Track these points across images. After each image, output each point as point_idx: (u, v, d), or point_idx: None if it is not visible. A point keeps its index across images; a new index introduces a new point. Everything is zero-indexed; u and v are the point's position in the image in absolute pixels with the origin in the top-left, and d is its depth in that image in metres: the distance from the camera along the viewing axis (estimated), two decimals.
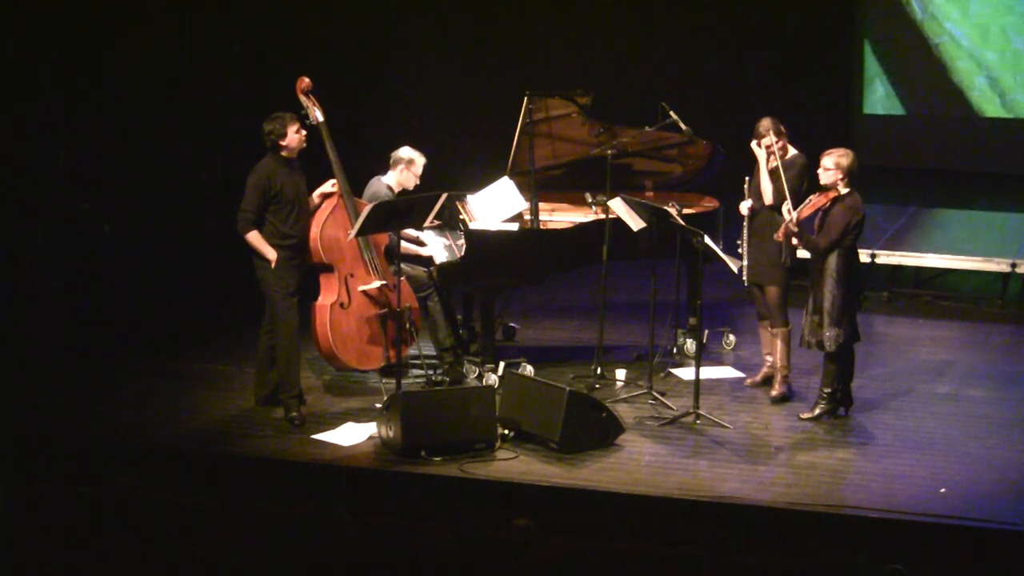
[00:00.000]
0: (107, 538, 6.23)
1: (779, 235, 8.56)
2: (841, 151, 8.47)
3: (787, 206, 8.51)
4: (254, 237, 8.50)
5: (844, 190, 8.43)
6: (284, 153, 8.56)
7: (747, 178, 9.05)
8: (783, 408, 8.90)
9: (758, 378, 9.30)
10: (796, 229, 8.44)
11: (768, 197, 8.84)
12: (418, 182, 9.38)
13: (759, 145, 8.93)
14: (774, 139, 8.89)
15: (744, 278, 9.01)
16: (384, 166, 9.45)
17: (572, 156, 9.74)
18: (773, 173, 8.87)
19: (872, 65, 15.27)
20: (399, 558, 6.07)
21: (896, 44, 15.16)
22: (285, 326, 8.60)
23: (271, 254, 8.50)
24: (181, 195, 12.19)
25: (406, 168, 9.32)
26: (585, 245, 9.32)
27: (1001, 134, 15.09)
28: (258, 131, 8.65)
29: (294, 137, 8.55)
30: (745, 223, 9.03)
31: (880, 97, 15.35)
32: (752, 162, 9.02)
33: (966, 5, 14.89)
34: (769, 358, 9.21)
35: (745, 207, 9.01)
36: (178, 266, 11.58)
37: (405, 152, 9.36)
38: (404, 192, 9.35)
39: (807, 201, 8.46)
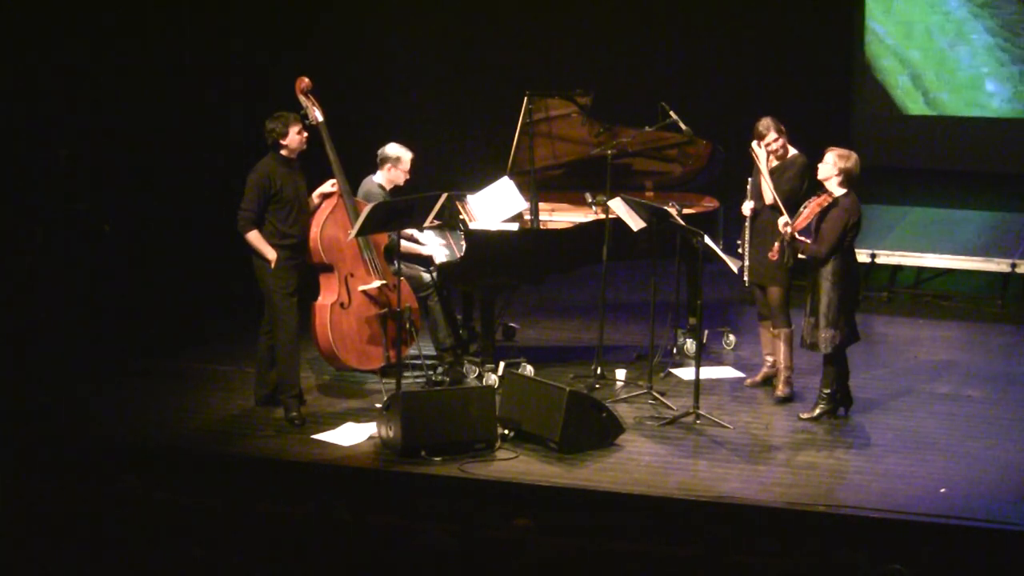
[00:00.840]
0: (107, 538, 6.23)
1: (773, 254, 8.53)
2: (845, 152, 8.44)
3: (783, 220, 8.47)
4: (254, 237, 8.50)
5: (839, 191, 8.40)
6: (284, 152, 8.57)
7: (749, 179, 9.04)
8: (783, 408, 8.90)
9: (758, 378, 9.29)
10: (788, 240, 8.40)
11: (768, 197, 8.83)
12: (408, 177, 9.37)
13: (759, 145, 8.92)
14: (774, 136, 8.88)
15: (745, 278, 8.99)
16: None
17: (572, 156, 9.74)
18: (773, 172, 8.86)
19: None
20: (399, 558, 6.07)
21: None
22: (285, 326, 8.60)
23: (271, 254, 8.50)
24: (181, 195, 12.18)
25: (394, 166, 9.31)
26: (585, 245, 9.31)
27: (1000, 134, 15.12)
28: (258, 131, 8.65)
29: (295, 137, 8.55)
30: (747, 223, 9.02)
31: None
32: (751, 166, 9.00)
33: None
34: (769, 358, 9.21)
35: (747, 208, 8.99)
36: (178, 266, 11.58)
37: (392, 149, 9.34)
38: (396, 188, 9.35)
39: (800, 212, 8.43)
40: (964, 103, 15.10)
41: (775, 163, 8.93)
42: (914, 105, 15.15)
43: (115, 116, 12.09)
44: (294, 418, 8.58)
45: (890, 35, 15.10)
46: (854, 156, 8.44)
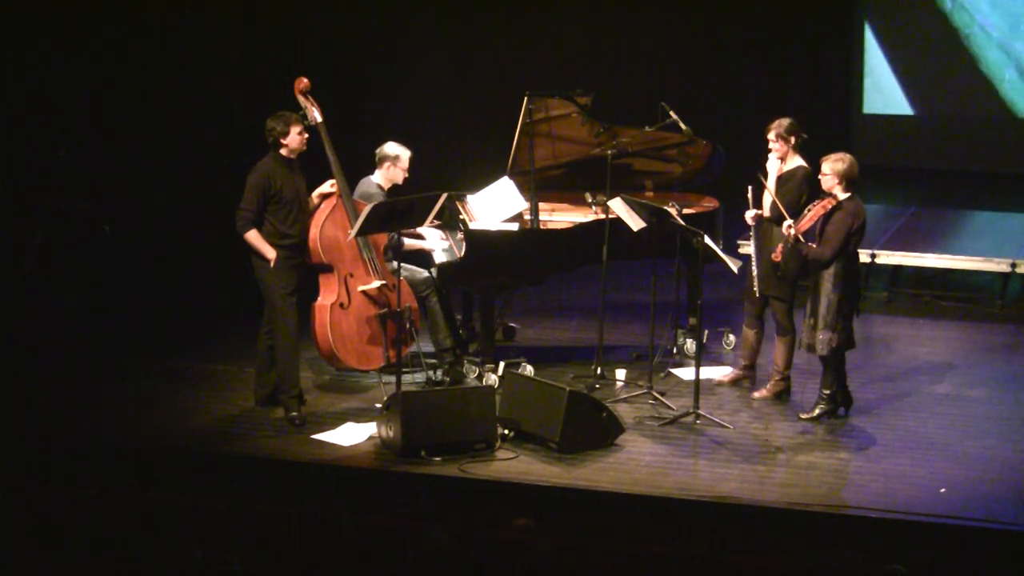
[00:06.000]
0: (107, 538, 6.23)
1: (776, 255, 8.52)
2: (837, 156, 8.41)
3: (788, 223, 8.43)
4: (253, 236, 8.50)
5: (843, 195, 8.38)
6: (284, 152, 8.57)
7: (749, 186, 8.93)
8: (783, 408, 8.89)
9: (728, 378, 9.27)
10: (792, 242, 8.38)
11: (767, 209, 8.79)
12: (407, 175, 9.36)
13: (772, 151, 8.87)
14: (773, 138, 8.84)
15: (755, 288, 8.91)
16: None
17: (572, 156, 9.74)
18: (776, 182, 8.81)
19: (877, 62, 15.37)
20: (399, 558, 6.07)
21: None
22: (284, 326, 8.60)
23: (270, 253, 8.50)
24: (181, 195, 12.18)
25: (393, 164, 9.30)
26: (585, 245, 9.31)
27: (1002, 134, 15.13)
28: (257, 131, 8.66)
29: (296, 138, 8.55)
30: (752, 232, 8.94)
31: (882, 96, 15.41)
32: (751, 166, 8.97)
33: None
34: (742, 360, 9.22)
35: (750, 216, 8.91)
36: (178, 266, 11.58)
37: (391, 149, 9.33)
38: (394, 187, 9.35)
39: (804, 214, 8.41)
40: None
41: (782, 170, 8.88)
42: (915, 105, 15.18)
43: (115, 116, 12.09)
44: (294, 418, 8.58)
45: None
46: (848, 158, 8.41)
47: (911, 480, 7.84)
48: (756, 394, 9.06)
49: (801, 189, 8.77)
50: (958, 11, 15.19)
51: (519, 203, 9.37)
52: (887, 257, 11.60)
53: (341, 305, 8.80)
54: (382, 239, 9.01)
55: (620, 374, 9.34)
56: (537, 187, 9.41)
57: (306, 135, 8.60)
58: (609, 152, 9.37)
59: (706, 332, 9.65)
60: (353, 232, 8.44)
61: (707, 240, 8.48)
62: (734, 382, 9.26)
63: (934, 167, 15.19)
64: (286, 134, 8.53)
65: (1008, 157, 15.02)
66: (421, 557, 5.97)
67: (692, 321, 9.70)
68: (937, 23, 15.19)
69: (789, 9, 14.75)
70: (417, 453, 8.03)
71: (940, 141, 15.32)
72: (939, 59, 15.23)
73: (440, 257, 9.33)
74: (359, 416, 8.69)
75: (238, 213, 8.51)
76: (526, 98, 9.29)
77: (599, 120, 9.56)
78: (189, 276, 11.45)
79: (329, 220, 8.75)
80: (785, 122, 8.83)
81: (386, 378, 8.99)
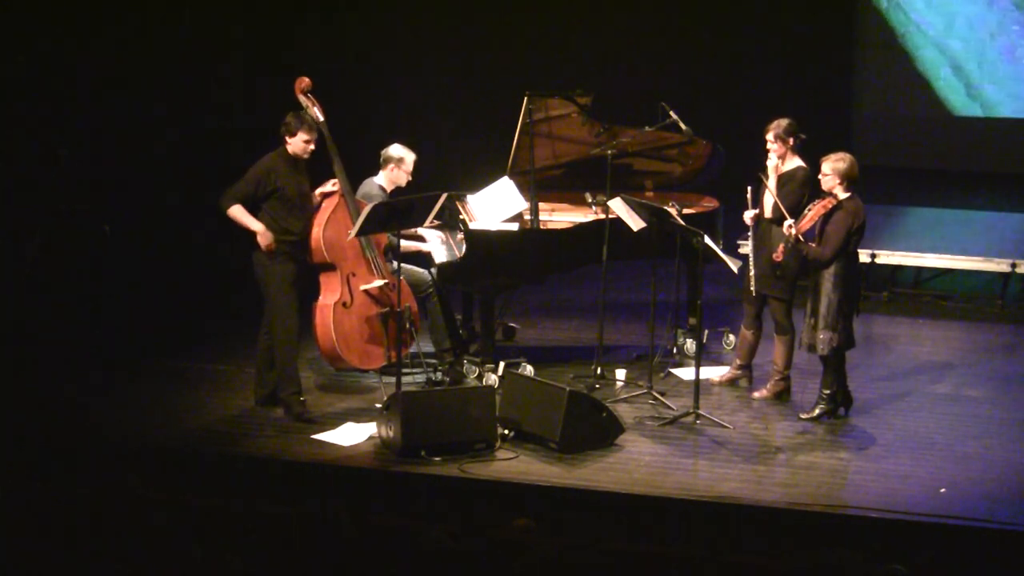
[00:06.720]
0: (107, 538, 6.23)
1: (778, 255, 8.52)
2: (837, 156, 8.41)
3: (788, 222, 8.44)
4: (237, 211, 8.47)
5: (843, 195, 8.39)
6: (289, 150, 8.57)
7: (749, 187, 8.93)
8: (783, 408, 8.90)
9: (723, 378, 9.27)
10: (793, 243, 8.38)
11: (768, 210, 8.79)
12: (410, 178, 9.37)
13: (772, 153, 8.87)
14: (771, 138, 8.83)
15: (752, 287, 8.91)
16: None
17: (572, 156, 9.74)
18: (776, 182, 8.80)
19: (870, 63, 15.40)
20: (399, 558, 6.07)
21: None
22: (283, 323, 8.59)
23: (255, 225, 8.48)
24: (181, 195, 12.18)
25: (396, 167, 9.31)
26: (585, 245, 9.31)
27: (999, 134, 15.13)
28: (257, 130, 8.66)
29: (300, 143, 8.54)
30: (751, 232, 8.94)
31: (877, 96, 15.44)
32: (751, 166, 8.97)
33: None
34: (738, 360, 9.22)
35: (748, 216, 8.91)
36: (178, 266, 11.58)
37: (395, 150, 9.35)
38: (397, 189, 9.35)
39: (805, 214, 8.40)
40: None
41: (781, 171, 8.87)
42: (957, 98, 15.19)
43: (115, 116, 12.09)
44: (302, 414, 8.56)
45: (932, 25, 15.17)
46: (848, 157, 8.41)
47: (911, 480, 7.84)
48: (756, 394, 9.06)
49: (802, 189, 8.77)
50: (894, 10, 15.21)
51: (519, 203, 9.37)
52: (887, 257, 11.60)
53: (344, 304, 8.79)
54: (383, 238, 9.01)
55: (620, 374, 9.34)
56: (537, 187, 9.41)
57: (311, 146, 8.58)
58: (609, 152, 9.38)
59: (706, 332, 9.65)
60: (353, 232, 8.43)
61: (707, 240, 8.48)
62: (729, 382, 9.27)
63: (934, 167, 15.19)
64: (292, 134, 8.54)
65: (1009, 157, 15.01)
66: (421, 557, 5.96)
67: (692, 321, 9.70)
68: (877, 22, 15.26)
69: (789, 10, 14.75)
70: (417, 453, 8.03)
71: (940, 141, 15.32)
72: (886, 59, 15.28)
73: (440, 257, 9.33)
74: (359, 416, 8.69)
75: (225, 192, 8.49)
76: (526, 98, 9.29)
77: (599, 120, 9.56)
78: (189, 276, 11.44)
79: (331, 219, 8.74)
80: (784, 123, 8.82)
81: (386, 378, 9.00)
